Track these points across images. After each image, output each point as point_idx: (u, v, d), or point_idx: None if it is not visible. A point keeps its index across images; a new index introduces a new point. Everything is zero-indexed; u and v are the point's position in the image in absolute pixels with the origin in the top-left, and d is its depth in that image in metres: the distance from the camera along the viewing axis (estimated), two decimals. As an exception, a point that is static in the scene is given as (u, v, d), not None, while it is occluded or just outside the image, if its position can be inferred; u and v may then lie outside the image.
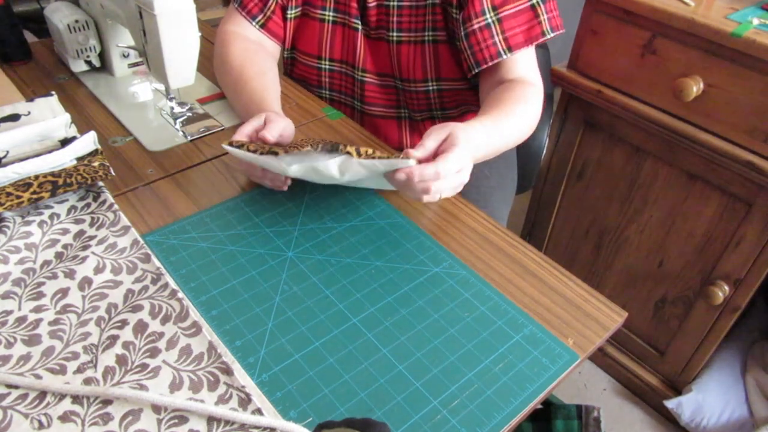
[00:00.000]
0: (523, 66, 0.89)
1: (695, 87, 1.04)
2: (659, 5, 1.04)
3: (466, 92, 0.97)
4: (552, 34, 0.87)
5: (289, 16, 0.98)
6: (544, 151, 1.29)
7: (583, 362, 0.62)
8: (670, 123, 1.11)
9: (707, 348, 1.27)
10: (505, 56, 0.86)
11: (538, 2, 0.86)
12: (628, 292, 1.37)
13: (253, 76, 0.89)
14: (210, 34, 1.18)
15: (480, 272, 0.68)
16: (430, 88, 0.95)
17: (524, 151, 1.23)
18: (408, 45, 0.92)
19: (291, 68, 1.05)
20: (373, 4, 0.92)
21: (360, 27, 0.95)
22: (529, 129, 0.86)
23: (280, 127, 0.74)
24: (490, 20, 0.85)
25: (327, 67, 0.99)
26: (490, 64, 0.87)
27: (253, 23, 0.98)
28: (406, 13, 0.91)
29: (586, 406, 0.88)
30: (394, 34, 0.92)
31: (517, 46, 0.86)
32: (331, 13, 0.96)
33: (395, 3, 0.91)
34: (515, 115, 0.81)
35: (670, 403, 1.34)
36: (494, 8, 0.85)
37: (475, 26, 0.85)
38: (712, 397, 1.30)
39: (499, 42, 0.86)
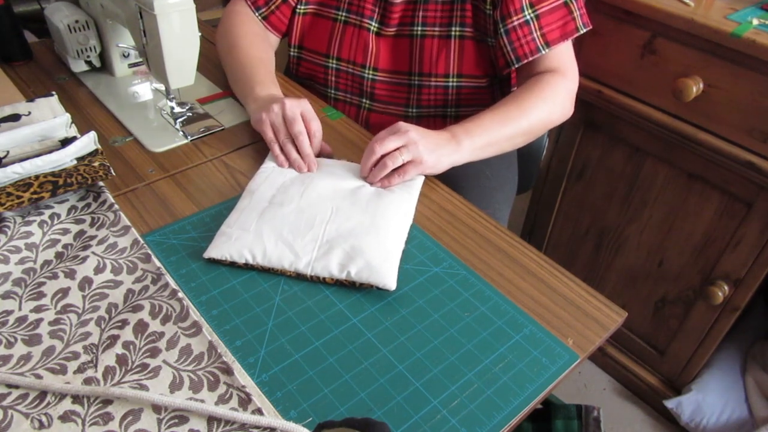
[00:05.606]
0: (558, 58, 0.94)
1: (695, 87, 1.04)
2: (659, 5, 1.04)
3: (483, 91, 0.98)
4: (584, 30, 0.92)
5: (299, 11, 1.00)
6: (544, 151, 1.29)
7: (583, 362, 0.62)
8: (670, 123, 1.11)
9: (707, 348, 1.27)
10: (543, 51, 0.91)
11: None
12: (628, 292, 1.37)
13: (258, 57, 0.94)
14: (210, 34, 1.18)
15: (480, 272, 0.68)
16: (450, 84, 0.96)
17: (524, 151, 1.23)
18: (432, 39, 0.94)
19: (296, 67, 1.05)
20: (400, 0, 0.94)
21: (372, 27, 0.96)
22: (540, 121, 0.90)
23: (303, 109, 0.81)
24: (528, 17, 0.89)
25: (334, 65, 1.00)
26: (530, 59, 0.91)
27: (256, 14, 0.99)
28: (432, 7, 0.93)
29: (586, 406, 0.88)
30: (419, 28, 0.94)
31: (554, 41, 0.91)
32: (343, 14, 0.97)
33: None
34: (522, 108, 0.88)
35: (670, 403, 1.34)
36: (531, 5, 0.89)
37: (515, 23, 0.89)
38: (711, 397, 1.30)
39: (538, 38, 0.90)
